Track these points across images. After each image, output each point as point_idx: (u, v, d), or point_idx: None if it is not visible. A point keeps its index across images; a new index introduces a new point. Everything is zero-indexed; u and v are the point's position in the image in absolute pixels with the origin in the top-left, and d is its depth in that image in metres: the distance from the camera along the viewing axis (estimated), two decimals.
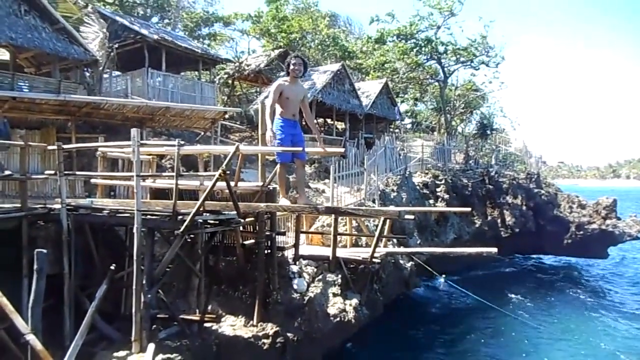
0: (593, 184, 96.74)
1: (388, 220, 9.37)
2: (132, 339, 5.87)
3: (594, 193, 28.89)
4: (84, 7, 16.22)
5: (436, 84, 32.11)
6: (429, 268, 11.14)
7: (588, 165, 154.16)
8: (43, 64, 15.97)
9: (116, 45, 16.78)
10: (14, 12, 13.36)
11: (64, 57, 14.54)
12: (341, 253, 9.30)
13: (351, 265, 9.32)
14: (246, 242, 7.79)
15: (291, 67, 6.58)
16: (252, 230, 7.88)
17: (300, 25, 27.80)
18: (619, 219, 19.56)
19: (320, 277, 8.68)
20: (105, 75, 17.48)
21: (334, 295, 8.56)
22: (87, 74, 17.39)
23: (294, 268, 8.45)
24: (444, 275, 10.50)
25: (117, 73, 19.98)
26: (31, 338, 5.04)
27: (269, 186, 7.40)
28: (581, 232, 19.38)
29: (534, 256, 21.54)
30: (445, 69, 29.83)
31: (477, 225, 17.93)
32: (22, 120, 11.40)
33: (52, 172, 7.19)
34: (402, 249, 11.17)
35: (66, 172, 7.05)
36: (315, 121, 23.51)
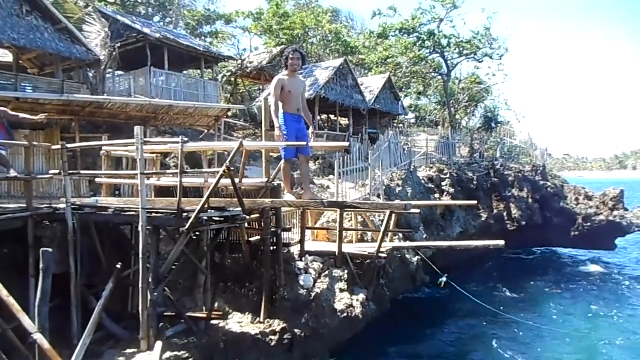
0: (599, 176, 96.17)
1: (394, 215, 9.32)
2: (140, 337, 5.88)
3: (600, 185, 28.70)
4: (85, 7, 16.19)
5: (439, 77, 31.91)
6: (432, 265, 11.06)
7: (594, 157, 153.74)
8: (46, 65, 15.98)
9: (118, 45, 16.73)
10: (16, 12, 13.32)
11: (66, 57, 14.52)
12: (347, 248, 9.27)
13: (357, 261, 9.28)
14: (252, 239, 7.78)
15: (289, 61, 6.51)
16: (257, 227, 7.87)
17: (302, 21, 27.70)
18: (626, 210, 19.45)
19: (326, 272, 8.66)
20: (108, 75, 17.48)
21: (341, 290, 8.54)
22: (90, 74, 17.40)
23: (300, 264, 8.44)
24: (446, 275, 10.47)
25: (120, 72, 19.97)
26: (39, 337, 5.04)
27: (273, 182, 7.38)
28: (588, 224, 19.28)
29: (541, 249, 21.42)
30: (449, 62, 29.62)
31: (483, 219, 17.83)
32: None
33: (57, 172, 7.20)
34: (408, 244, 11.12)
35: (71, 172, 7.05)
36: (318, 118, 23.56)
